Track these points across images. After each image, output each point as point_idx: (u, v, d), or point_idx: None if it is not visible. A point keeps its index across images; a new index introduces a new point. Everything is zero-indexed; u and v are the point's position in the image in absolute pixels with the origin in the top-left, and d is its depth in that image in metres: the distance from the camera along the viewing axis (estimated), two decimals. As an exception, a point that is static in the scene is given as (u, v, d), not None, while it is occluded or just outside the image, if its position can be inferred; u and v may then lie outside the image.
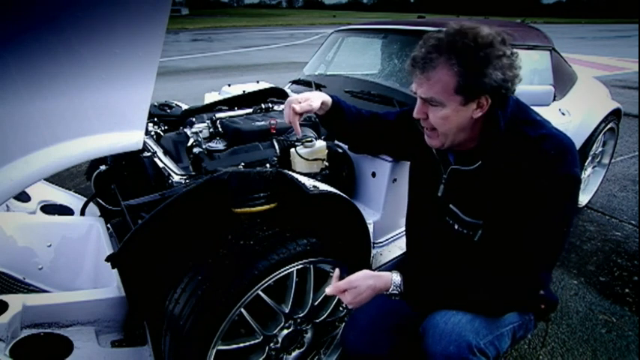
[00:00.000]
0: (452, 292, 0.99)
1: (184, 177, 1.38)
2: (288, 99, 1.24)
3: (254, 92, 2.13)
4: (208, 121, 1.71)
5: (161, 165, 1.49)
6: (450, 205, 1.07)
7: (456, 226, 1.06)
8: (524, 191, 0.91)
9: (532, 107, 1.03)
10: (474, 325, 0.96)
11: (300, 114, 1.22)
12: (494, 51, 0.87)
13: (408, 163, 1.32)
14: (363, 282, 0.98)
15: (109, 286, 1.38)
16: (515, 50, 0.92)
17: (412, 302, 1.02)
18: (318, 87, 2.12)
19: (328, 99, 1.29)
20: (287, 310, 1.21)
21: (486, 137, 0.98)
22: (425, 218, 1.18)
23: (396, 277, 0.99)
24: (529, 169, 0.91)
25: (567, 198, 0.93)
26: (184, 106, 2.10)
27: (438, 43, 0.90)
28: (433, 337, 0.95)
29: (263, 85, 2.65)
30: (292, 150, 1.44)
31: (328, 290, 1.00)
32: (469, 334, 0.94)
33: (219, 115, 1.75)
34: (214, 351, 1.07)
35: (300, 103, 1.22)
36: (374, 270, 1.08)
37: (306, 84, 2.26)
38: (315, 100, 1.25)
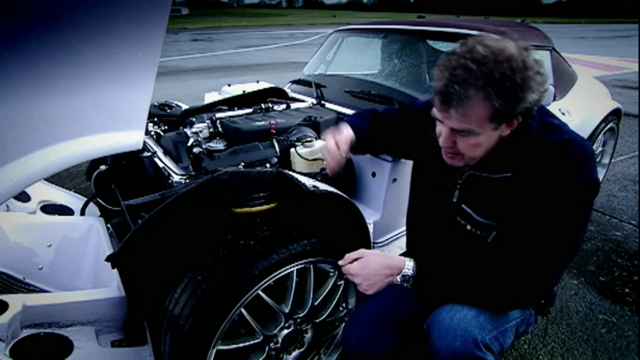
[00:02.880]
0: (463, 285, 0.99)
1: (184, 177, 1.38)
2: (326, 145, 1.23)
3: (254, 92, 2.13)
4: (208, 121, 1.71)
5: (161, 165, 1.49)
6: (463, 206, 1.06)
7: (469, 227, 1.06)
8: (544, 194, 0.91)
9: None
10: (479, 320, 0.96)
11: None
12: (528, 73, 0.82)
13: (408, 163, 1.32)
14: (373, 257, 1.02)
15: (109, 286, 1.38)
16: (538, 57, 0.87)
17: (422, 289, 1.02)
18: (319, 87, 2.12)
19: (351, 135, 1.27)
20: (287, 310, 1.21)
21: (516, 147, 0.95)
22: (432, 218, 1.17)
23: (409, 262, 1.01)
24: (551, 172, 0.91)
25: (586, 203, 0.94)
26: (184, 106, 2.10)
27: (469, 76, 0.82)
28: (439, 333, 0.96)
29: (263, 85, 2.65)
30: (292, 150, 1.44)
31: (341, 262, 1.05)
32: (475, 330, 0.94)
33: (219, 115, 1.75)
34: (214, 351, 1.07)
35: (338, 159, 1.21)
36: None
37: (306, 84, 2.27)
38: (343, 144, 1.23)
